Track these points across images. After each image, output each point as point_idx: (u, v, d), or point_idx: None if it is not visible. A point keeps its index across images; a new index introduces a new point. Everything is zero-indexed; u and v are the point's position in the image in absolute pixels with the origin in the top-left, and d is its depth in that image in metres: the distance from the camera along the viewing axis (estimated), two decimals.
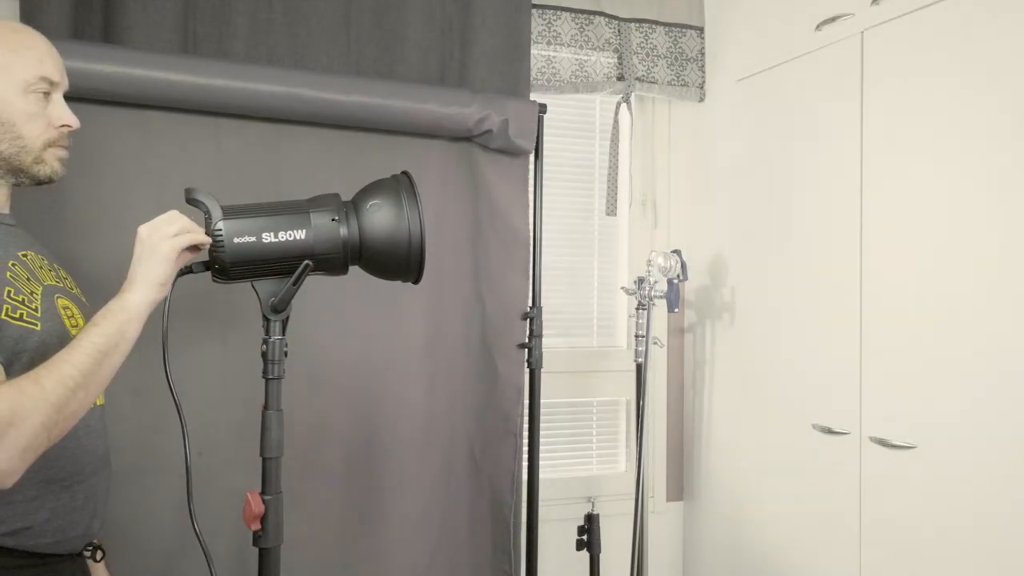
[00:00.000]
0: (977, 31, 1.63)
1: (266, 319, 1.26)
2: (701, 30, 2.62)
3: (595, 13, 2.48)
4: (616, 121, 2.54)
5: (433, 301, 2.16)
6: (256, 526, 1.24)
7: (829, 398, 2.01)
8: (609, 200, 2.52)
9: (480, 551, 2.26)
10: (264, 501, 1.24)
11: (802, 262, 2.12)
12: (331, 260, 1.28)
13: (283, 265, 1.25)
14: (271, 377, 1.27)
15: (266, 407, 1.27)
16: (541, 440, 2.31)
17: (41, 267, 1.22)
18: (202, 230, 1.21)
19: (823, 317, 2.04)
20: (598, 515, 2.37)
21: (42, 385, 1.02)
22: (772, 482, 2.23)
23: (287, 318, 1.28)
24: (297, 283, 1.25)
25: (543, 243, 2.31)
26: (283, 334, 1.27)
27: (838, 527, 1.96)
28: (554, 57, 2.44)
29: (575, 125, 2.63)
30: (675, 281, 2.34)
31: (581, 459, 2.65)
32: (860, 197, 1.92)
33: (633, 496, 2.35)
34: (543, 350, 2.28)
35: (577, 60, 2.48)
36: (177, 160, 1.90)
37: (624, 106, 2.55)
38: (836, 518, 1.97)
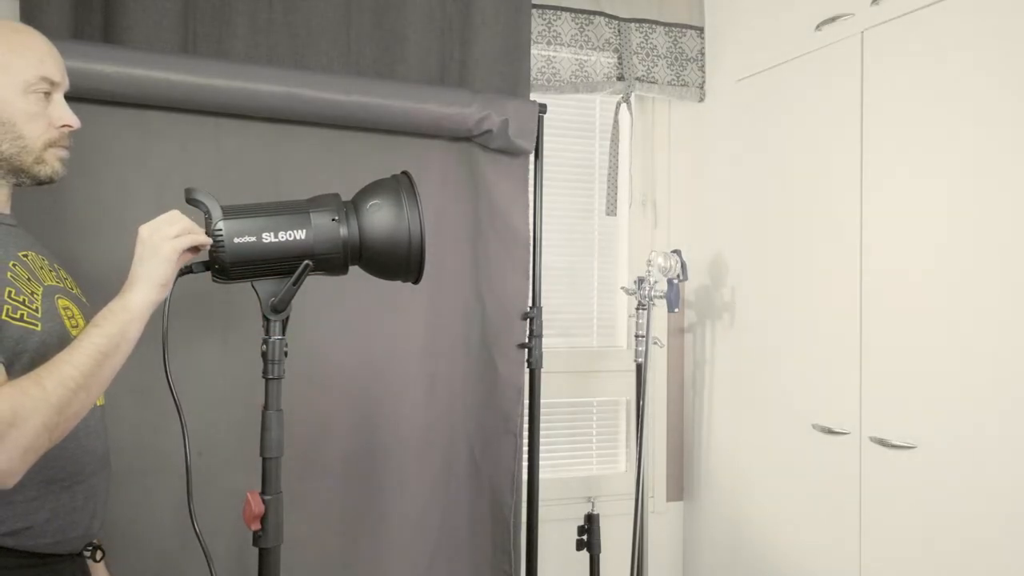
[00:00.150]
0: (977, 31, 1.63)
1: (266, 319, 1.26)
2: (701, 30, 2.62)
3: (595, 13, 2.48)
4: (616, 121, 2.54)
5: (433, 301, 2.16)
6: (256, 526, 1.24)
7: (829, 398, 2.01)
8: (609, 200, 2.52)
9: (480, 551, 2.26)
10: (264, 501, 1.24)
11: (802, 262, 2.12)
12: (331, 260, 1.28)
13: (283, 265, 1.25)
14: (271, 377, 1.27)
15: (266, 407, 1.27)
16: (541, 440, 2.31)
17: (42, 267, 1.22)
18: (203, 231, 1.21)
19: (823, 317, 2.04)
20: (598, 515, 2.37)
21: (43, 386, 1.02)
22: (772, 482, 2.23)
23: (287, 318, 1.28)
24: (297, 283, 1.25)
25: (543, 243, 2.31)
26: (283, 334, 1.27)
27: (838, 527, 1.96)
28: (554, 57, 2.44)
29: (575, 125, 2.63)
30: (675, 281, 2.34)
31: (581, 459, 2.65)
32: (860, 197, 1.92)
33: (633, 496, 2.35)
34: (543, 350, 2.28)
35: (577, 60, 2.48)
36: (177, 160, 1.90)
37: (624, 106, 2.55)
38: (836, 518, 1.97)
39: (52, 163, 1.21)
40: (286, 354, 1.28)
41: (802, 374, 2.11)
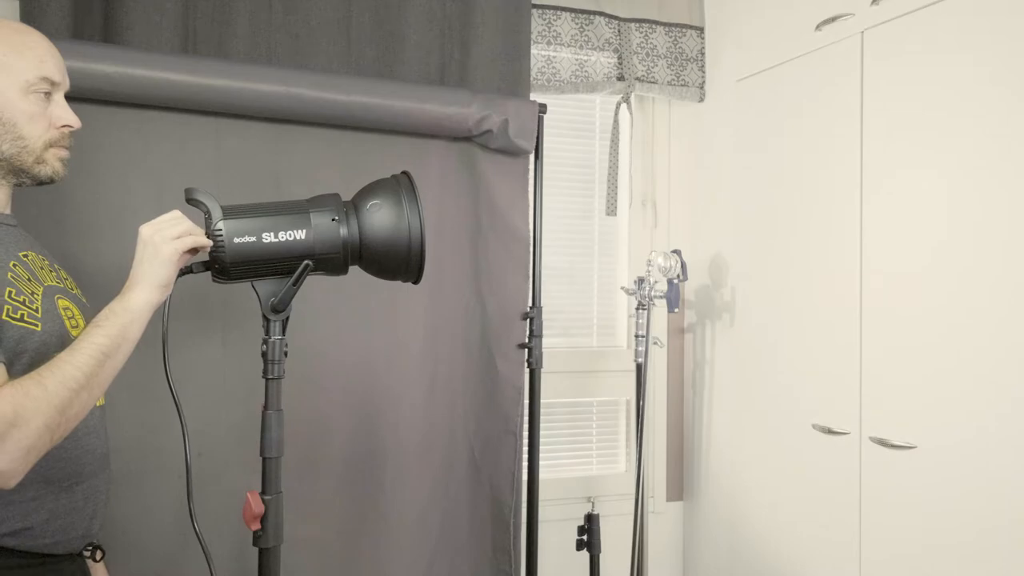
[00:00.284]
0: (977, 31, 1.63)
1: (266, 319, 1.26)
2: (701, 30, 2.62)
3: (595, 13, 2.48)
4: (616, 121, 2.55)
5: (433, 301, 2.16)
6: (256, 526, 1.24)
7: (829, 398, 2.01)
8: (609, 200, 2.52)
9: (480, 551, 2.26)
10: (264, 501, 1.24)
11: (802, 262, 2.12)
12: (331, 260, 1.28)
13: (283, 265, 1.25)
14: (271, 377, 1.27)
15: (266, 407, 1.27)
16: (541, 440, 2.31)
17: (42, 268, 1.22)
18: (204, 233, 1.21)
19: (823, 317, 2.04)
20: (598, 515, 2.37)
21: (45, 386, 1.02)
22: (772, 482, 2.23)
23: (287, 318, 1.28)
24: (297, 283, 1.25)
25: (543, 243, 2.31)
26: (283, 334, 1.27)
27: (838, 527, 1.96)
28: (554, 57, 2.44)
29: (575, 125, 2.63)
30: (675, 281, 2.34)
31: (581, 459, 2.65)
32: (860, 197, 1.92)
33: (633, 496, 2.35)
34: (543, 350, 2.28)
35: (577, 60, 2.48)
36: (177, 160, 1.90)
37: (624, 106, 2.55)
38: (836, 518, 1.97)
39: (53, 163, 1.21)
40: (286, 354, 1.28)
41: (802, 374, 2.12)
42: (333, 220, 1.27)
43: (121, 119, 1.84)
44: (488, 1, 2.27)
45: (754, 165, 2.34)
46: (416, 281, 1.36)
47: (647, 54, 2.55)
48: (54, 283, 1.22)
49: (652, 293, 2.30)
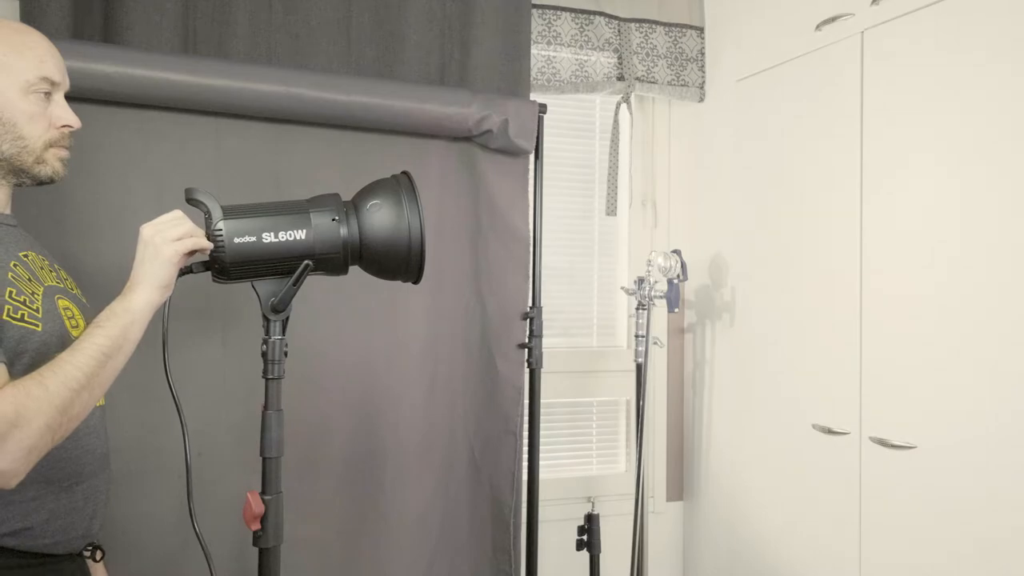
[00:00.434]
0: (977, 31, 1.63)
1: (266, 319, 1.27)
2: (701, 30, 2.62)
3: (595, 13, 2.48)
4: (616, 121, 2.55)
5: (433, 301, 2.16)
6: (256, 526, 1.24)
7: (829, 398, 2.01)
8: (609, 200, 2.52)
9: (480, 551, 2.26)
10: (264, 501, 1.24)
11: (802, 262, 2.12)
12: (331, 260, 1.28)
13: (283, 265, 1.25)
14: (271, 377, 1.27)
15: (266, 407, 1.27)
16: (541, 440, 2.31)
17: (42, 268, 1.22)
18: (205, 234, 1.21)
19: (823, 317, 2.04)
20: (598, 515, 2.37)
21: (46, 386, 1.02)
22: (772, 482, 2.23)
23: (287, 318, 1.28)
24: (297, 283, 1.25)
25: (543, 243, 2.31)
26: (283, 334, 1.27)
27: (838, 527, 1.96)
28: (554, 57, 2.44)
29: (575, 125, 2.63)
30: (675, 281, 2.34)
31: (581, 459, 2.65)
32: (860, 196, 1.92)
33: (633, 496, 2.35)
34: (543, 350, 2.28)
35: (577, 60, 2.48)
36: (177, 160, 1.90)
37: (624, 106, 2.55)
38: (836, 518, 1.97)
39: (53, 163, 1.21)
40: (286, 354, 1.28)
41: (802, 374, 2.12)
42: (333, 220, 1.27)
43: (121, 119, 1.84)
44: (488, 1, 2.27)
45: (754, 165, 2.34)
46: (416, 281, 1.36)
47: (647, 54, 2.55)
48: (54, 283, 1.22)
49: (652, 293, 2.30)
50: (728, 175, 2.48)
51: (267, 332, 1.27)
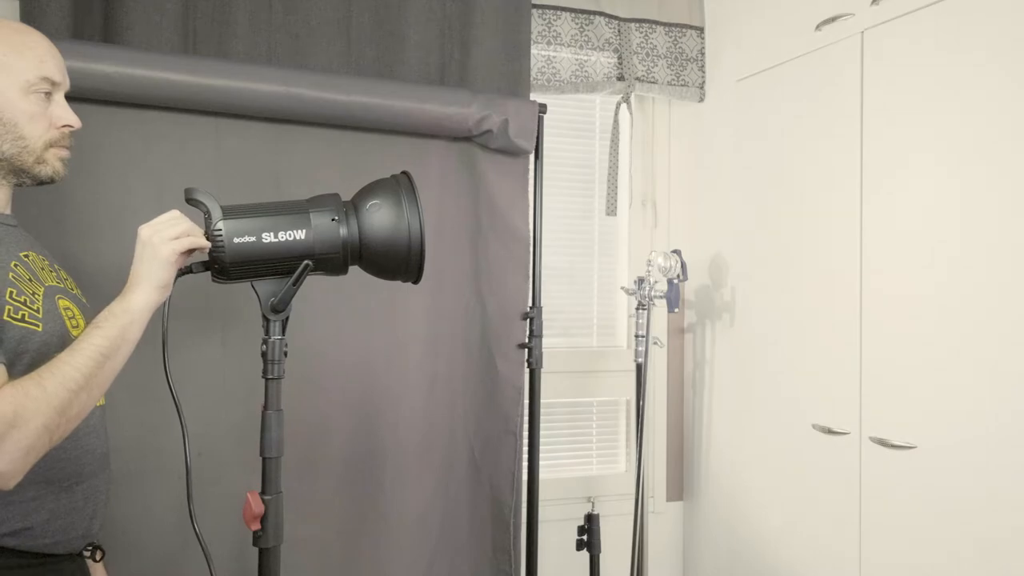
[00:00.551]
0: (977, 31, 1.63)
1: (266, 319, 1.26)
2: (701, 30, 2.62)
3: (595, 13, 2.48)
4: (616, 121, 2.55)
5: (433, 301, 2.16)
6: (256, 526, 1.24)
7: (829, 398, 2.01)
8: (609, 200, 2.52)
9: (480, 551, 2.26)
10: (264, 501, 1.24)
11: (802, 262, 2.12)
12: (331, 260, 1.28)
13: (283, 265, 1.25)
14: (271, 377, 1.27)
15: (266, 407, 1.27)
16: (541, 440, 2.31)
17: (43, 268, 1.22)
18: (203, 233, 1.21)
19: (823, 317, 2.04)
20: (598, 515, 2.37)
21: (45, 387, 1.02)
22: (772, 482, 2.23)
23: (287, 318, 1.28)
24: (297, 283, 1.25)
25: (543, 243, 2.31)
26: (283, 334, 1.27)
27: (838, 527, 1.96)
28: (554, 57, 2.44)
29: (575, 125, 2.63)
30: (675, 281, 2.34)
31: (581, 459, 2.65)
32: (860, 196, 1.92)
33: (633, 496, 2.35)
34: (543, 350, 2.28)
35: (577, 60, 2.48)
36: (177, 160, 1.90)
37: (624, 106, 2.55)
38: (836, 518, 1.97)
39: (53, 163, 1.21)
40: (286, 354, 1.28)
41: (802, 374, 2.12)
42: (333, 220, 1.27)
43: (121, 119, 1.84)
44: (488, 1, 2.27)
45: (754, 165, 2.34)
46: (416, 281, 1.36)
47: (647, 54, 2.55)
48: (55, 283, 1.22)
49: (652, 293, 2.30)
50: (728, 175, 2.48)
51: (267, 332, 1.27)
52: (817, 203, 2.07)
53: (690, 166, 2.70)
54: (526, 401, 2.27)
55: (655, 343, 2.38)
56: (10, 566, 1.12)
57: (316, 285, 1.45)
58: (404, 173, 1.35)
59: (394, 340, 2.12)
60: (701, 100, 2.63)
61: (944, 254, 1.69)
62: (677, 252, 2.34)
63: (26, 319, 1.10)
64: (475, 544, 2.25)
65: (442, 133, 2.13)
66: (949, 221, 1.68)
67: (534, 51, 2.40)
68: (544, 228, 2.33)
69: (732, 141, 2.46)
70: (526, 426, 2.28)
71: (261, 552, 1.25)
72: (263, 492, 1.25)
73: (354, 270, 1.33)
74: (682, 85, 2.60)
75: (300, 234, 1.25)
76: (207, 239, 1.21)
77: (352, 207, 1.30)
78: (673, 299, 2.34)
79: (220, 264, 1.21)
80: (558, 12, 2.44)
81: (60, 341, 1.14)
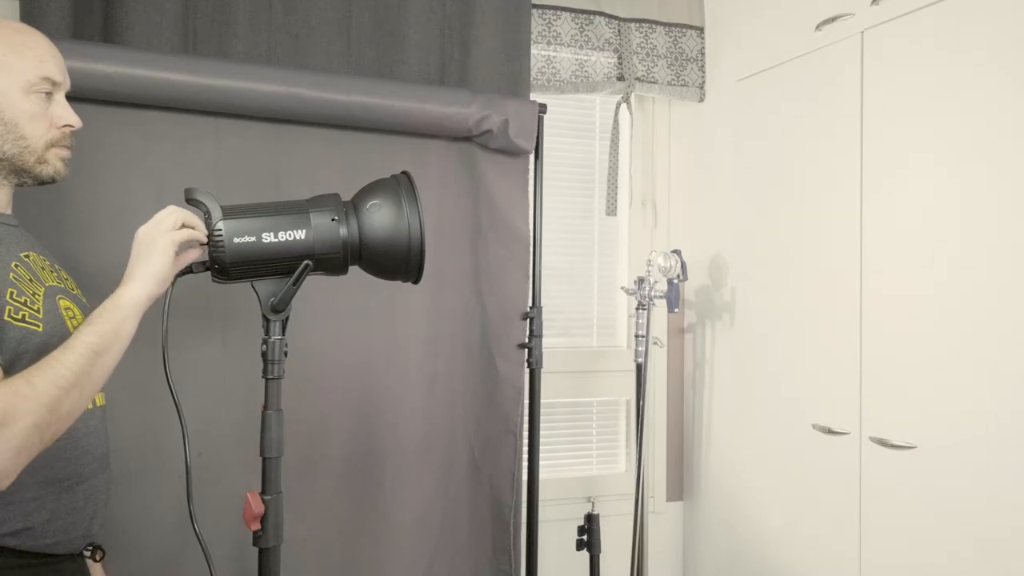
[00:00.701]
0: (977, 31, 1.63)
1: (266, 319, 1.27)
2: (701, 30, 2.62)
3: (595, 13, 2.48)
4: (616, 121, 2.55)
5: (433, 301, 2.16)
6: (256, 526, 1.24)
7: (829, 398, 2.01)
8: (609, 200, 2.52)
9: (480, 551, 2.26)
10: (264, 501, 1.24)
11: (802, 262, 2.13)
12: (331, 260, 1.28)
13: (283, 265, 1.25)
14: (271, 377, 1.27)
15: (266, 407, 1.27)
16: (541, 440, 2.31)
17: (43, 268, 1.22)
18: (200, 221, 1.21)
19: (823, 317, 2.04)
20: (598, 515, 2.37)
21: (34, 385, 1.01)
22: (772, 482, 2.23)
23: (287, 318, 1.28)
24: (297, 283, 1.25)
25: (543, 243, 2.31)
26: (283, 334, 1.27)
27: (838, 527, 1.96)
28: (554, 57, 2.44)
29: (575, 125, 2.63)
30: (675, 281, 2.34)
31: (581, 459, 2.65)
32: (860, 197, 1.92)
33: (633, 496, 2.35)
34: (543, 350, 2.28)
35: (577, 60, 2.48)
36: (177, 160, 1.90)
37: (624, 106, 2.55)
38: (836, 518, 1.97)
39: (54, 163, 1.21)
40: (286, 354, 1.28)
41: (802, 374, 2.12)
42: (333, 220, 1.27)
43: (121, 119, 1.84)
44: (488, 1, 2.27)
45: (754, 165, 2.34)
46: (416, 281, 1.36)
47: (647, 54, 2.55)
48: (55, 283, 1.22)
49: (652, 293, 2.30)
50: (728, 175, 2.48)
51: (267, 332, 1.27)
52: (817, 203, 2.07)
53: (690, 166, 2.70)
54: (526, 401, 2.27)
55: (655, 343, 2.38)
56: (10, 566, 1.12)
57: (316, 285, 1.45)
58: (404, 173, 1.35)
59: (394, 340, 2.12)
60: (701, 100, 2.63)
61: (944, 254, 1.69)
62: (677, 252, 2.34)
63: (26, 319, 1.10)
64: (475, 544, 2.25)
65: (442, 133, 2.13)
66: (949, 221, 1.68)
67: (534, 51, 2.40)
68: (544, 228, 2.33)
69: (732, 141, 2.46)
70: (526, 426, 2.28)
71: (261, 552, 1.25)
72: (263, 492, 1.25)
73: (354, 270, 1.33)
74: (682, 85, 2.60)
75: (300, 234, 1.25)
76: (206, 237, 1.21)
77: (352, 207, 1.30)
78: (673, 299, 2.34)
79: (220, 264, 1.22)
80: (558, 12, 2.44)
81: (60, 341, 1.13)
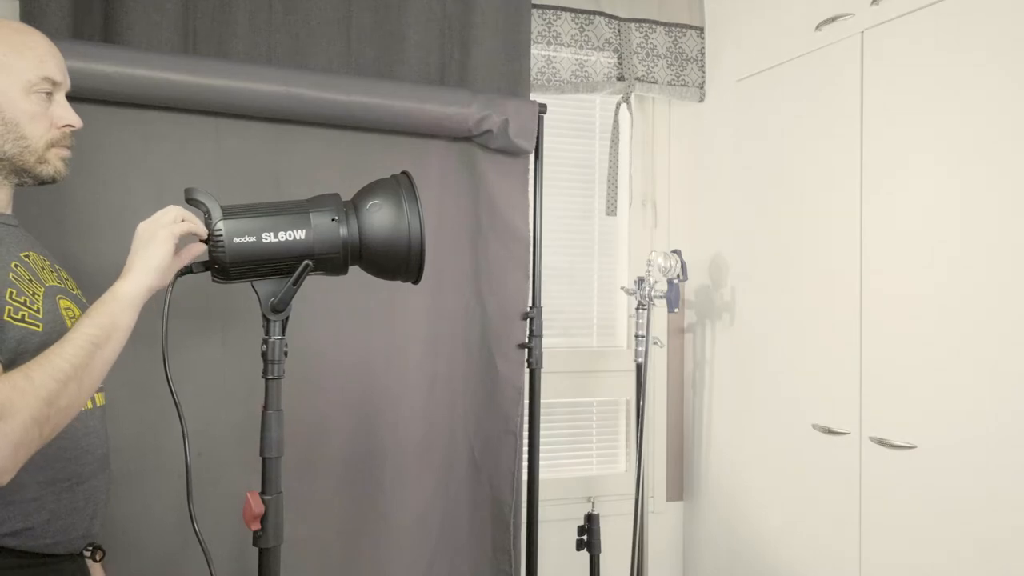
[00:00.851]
0: (978, 31, 1.63)
1: (266, 319, 1.27)
2: (701, 30, 2.62)
3: (595, 13, 2.48)
4: (616, 121, 2.55)
5: (433, 301, 2.16)
6: (256, 526, 1.24)
7: (829, 398, 2.01)
8: (609, 200, 2.52)
9: (480, 551, 2.26)
10: (264, 501, 1.24)
11: (802, 262, 2.13)
12: (331, 260, 1.28)
13: (283, 265, 1.25)
14: (271, 377, 1.27)
15: (266, 407, 1.27)
16: (541, 440, 2.31)
17: (43, 268, 1.22)
18: (200, 221, 1.22)
19: (823, 317, 2.04)
20: (598, 515, 2.37)
21: (32, 379, 1.01)
22: (772, 482, 2.23)
23: (287, 318, 1.28)
24: (297, 283, 1.25)
25: (543, 243, 2.31)
26: (283, 334, 1.28)
27: (838, 527, 1.96)
28: (554, 57, 2.44)
29: (575, 125, 2.63)
30: (675, 281, 2.34)
31: (581, 459, 2.65)
32: (860, 197, 1.92)
33: (633, 496, 2.35)
34: (543, 350, 2.28)
35: (577, 60, 2.48)
36: (177, 160, 1.90)
37: (624, 106, 2.55)
38: (836, 518, 1.97)
39: (55, 163, 1.21)
40: (286, 354, 1.28)
41: (802, 374, 2.12)
42: (333, 220, 1.27)
43: (121, 119, 1.84)
44: (488, 1, 2.27)
45: (754, 165, 2.34)
46: (416, 281, 1.36)
47: (647, 54, 2.55)
48: (55, 283, 1.22)
49: (652, 293, 2.30)
50: (728, 175, 2.48)
51: (267, 332, 1.27)
52: (817, 203, 2.07)
53: (690, 166, 2.70)
54: (526, 401, 2.27)
55: (655, 343, 2.38)
56: (10, 566, 1.12)
57: (316, 285, 1.45)
58: (404, 173, 1.35)
59: (394, 340, 2.12)
60: (701, 100, 2.63)
61: (944, 254, 1.69)
62: (677, 252, 2.34)
63: (26, 319, 1.10)
64: (475, 544, 2.25)
65: (442, 133, 2.13)
66: (949, 221, 1.68)
67: (534, 51, 2.40)
68: (544, 228, 2.33)
69: (732, 141, 2.46)
70: (526, 426, 2.28)
71: (261, 552, 1.25)
72: (263, 492, 1.25)
73: (354, 270, 1.33)
74: (682, 85, 2.60)
75: (300, 234, 1.25)
76: (207, 239, 1.21)
77: (352, 207, 1.30)
78: (673, 299, 2.35)
79: (220, 264, 1.22)
80: (558, 12, 2.44)
81: None
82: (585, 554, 2.37)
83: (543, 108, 2.24)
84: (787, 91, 2.19)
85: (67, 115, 1.22)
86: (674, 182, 2.70)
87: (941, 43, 1.71)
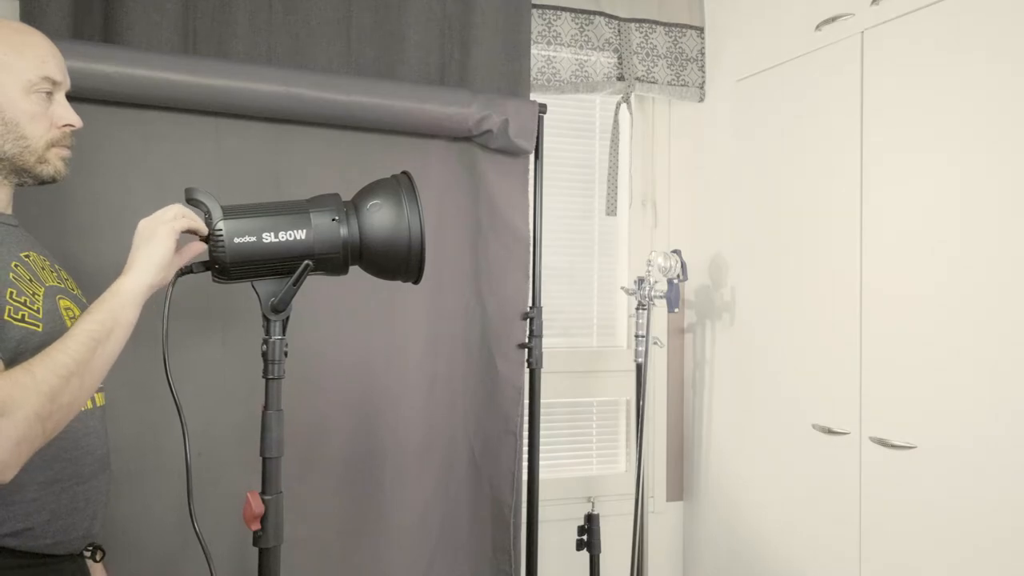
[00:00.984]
0: (978, 31, 1.63)
1: (266, 319, 1.26)
2: (701, 30, 2.62)
3: (595, 13, 2.48)
4: (616, 121, 2.55)
5: (433, 301, 2.16)
6: (256, 526, 1.24)
7: (829, 398, 2.01)
8: (609, 200, 2.52)
9: (480, 551, 2.26)
10: (264, 501, 1.24)
11: (802, 262, 2.13)
12: (331, 260, 1.28)
13: (283, 265, 1.25)
14: (271, 377, 1.27)
15: (266, 407, 1.27)
16: (541, 440, 2.31)
17: (43, 268, 1.22)
18: (198, 217, 1.22)
19: (823, 317, 2.04)
20: (598, 515, 2.37)
21: (34, 374, 1.00)
22: (772, 482, 2.23)
23: (287, 318, 1.28)
24: (297, 283, 1.25)
25: (543, 243, 2.31)
26: (283, 334, 1.27)
27: (838, 527, 1.96)
28: (554, 57, 2.44)
29: (575, 125, 2.63)
30: (675, 281, 2.34)
31: (581, 459, 2.65)
32: (860, 197, 1.92)
33: (633, 496, 2.35)
34: (543, 350, 2.28)
35: (577, 60, 2.48)
36: (177, 160, 1.90)
37: (624, 106, 2.55)
38: (836, 518, 1.97)
39: (55, 163, 1.21)
40: (286, 354, 1.28)
41: (802, 374, 2.12)
42: (333, 220, 1.27)
43: (121, 119, 1.84)
44: (488, 1, 2.27)
45: (754, 165, 2.34)
46: (416, 281, 1.36)
47: (647, 54, 2.55)
48: (55, 283, 1.22)
49: (652, 293, 2.30)
50: (728, 175, 2.48)
51: (267, 332, 1.27)
52: (817, 203, 2.07)
53: (690, 166, 2.70)
54: (526, 401, 2.28)
55: (655, 343, 2.38)
56: (11, 566, 1.12)
57: (316, 285, 1.45)
58: (404, 173, 1.35)
59: (394, 340, 2.12)
60: (701, 100, 2.63)
61: (944, 254, 1.69)
62: (677, 252, 2.34)
63: (26, 319, 1.10)
64: (475, 544, 2.25)
65: (442, 133, 2.13)
66: (949, 221, 1.68)
67: (534, 51, 2.40)
68: (544, 228, 2.33)
69: (732, 141, 2.46)
70: (526, 426, 2.28)
71: (261, 552, 1.25)
72: (263, 492, 1.25)
73: (354, 270, 1.33)
74: (682, 85, 2.60)
75: (300, 234, 1.25)
76: (207, 239, 1.22)
77: (352, 207, 1.30)
78: (673, 299, 2.35)
79: (221, 264, 1.22)
80: (558, 12, 2.44)
81: None
82: (585, 554, 2.37)
83: (543, 108, 2.24)
84: (787, 91, 2.19)
85: (67, 115, 1.22)
86: (674, 182, 2.70)
87: (941, 43, 1.71)
